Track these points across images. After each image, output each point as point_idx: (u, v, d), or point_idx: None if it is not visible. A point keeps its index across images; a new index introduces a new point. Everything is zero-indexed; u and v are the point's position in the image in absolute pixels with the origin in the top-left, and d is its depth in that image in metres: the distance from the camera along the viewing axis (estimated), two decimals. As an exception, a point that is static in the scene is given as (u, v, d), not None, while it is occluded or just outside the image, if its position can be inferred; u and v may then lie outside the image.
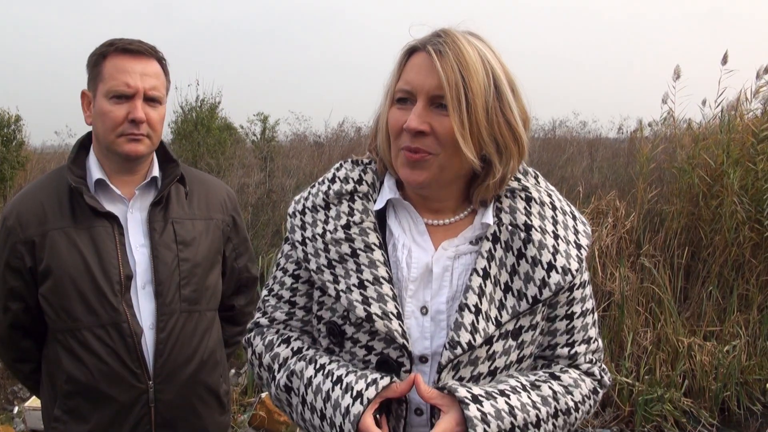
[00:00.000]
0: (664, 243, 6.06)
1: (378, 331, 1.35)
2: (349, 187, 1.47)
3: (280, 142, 12.24)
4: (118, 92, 1.88)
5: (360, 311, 1.35)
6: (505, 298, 1.37)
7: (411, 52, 1.37)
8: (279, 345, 1.49)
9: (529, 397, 1.35)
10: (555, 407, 1.38)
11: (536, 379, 1.41)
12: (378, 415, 1.33)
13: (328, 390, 1.35)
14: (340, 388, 1.34)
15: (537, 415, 1.34)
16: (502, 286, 1.38)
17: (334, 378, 1.36)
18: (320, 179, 1.54)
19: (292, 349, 1.48)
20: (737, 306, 5.53)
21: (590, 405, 1.49)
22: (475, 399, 1.29)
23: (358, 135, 12.41)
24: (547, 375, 1.44)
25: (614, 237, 5.89)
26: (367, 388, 1.31)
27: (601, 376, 1.52)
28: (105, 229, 1.92)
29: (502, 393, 1.33)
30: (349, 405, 1.31)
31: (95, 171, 1.97)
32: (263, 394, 4.56)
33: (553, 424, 1.39)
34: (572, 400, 1.42)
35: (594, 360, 1.52)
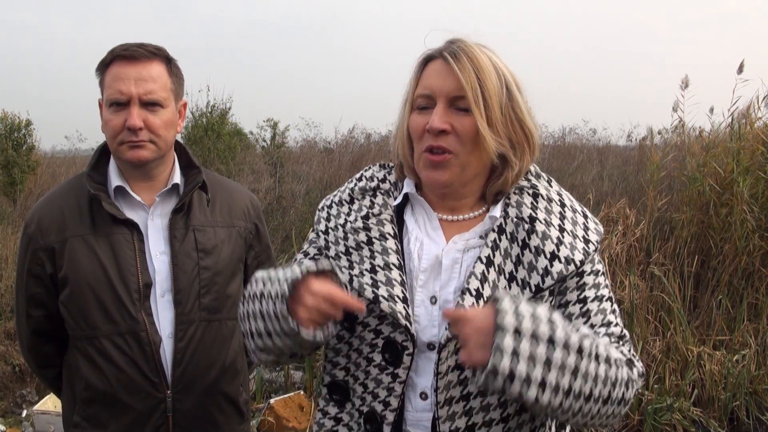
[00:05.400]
0: (673, 251, 6.04)
1: (385, 315, 1.41)
2: (373, 184, 1.57)
3: (290, 148, 12.30)
4: (114, 100, 1.88)
5: (368, 293, 1.41)
6: (509, 287, 1.41)
7: (427, 60, 1.46)
8: None
9: (571, 328, 1.26)
10: (596, 349, 1.26)
11: (574, 326, 1.30)
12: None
13: (273, 273, 1.40)
14: (283, 270, 1.38)
15: (580, 343, 1.22)
16: (507, 276, 1.42)
17: (283, 268, 1.40)
18: (350, 179, 1.64)
19: None
20: (747, 315, 5.50)
21: (623, 378, 1.31)
22: (514, 299, 1.23)
23: (368, 141, 12.45)
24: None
25: (624, 245, 5.88)
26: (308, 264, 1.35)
27: (632, 358, 1.39)
28: (124, 236, 1.91)
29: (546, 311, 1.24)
30: (289, 272, 1.35)
31: (114, 178, 1.97)
32: (272, 400, 4.58)
33: (595, 370, 1.24)
34: (612, 355, 1.30)
35: (619, 343, 1.41)
